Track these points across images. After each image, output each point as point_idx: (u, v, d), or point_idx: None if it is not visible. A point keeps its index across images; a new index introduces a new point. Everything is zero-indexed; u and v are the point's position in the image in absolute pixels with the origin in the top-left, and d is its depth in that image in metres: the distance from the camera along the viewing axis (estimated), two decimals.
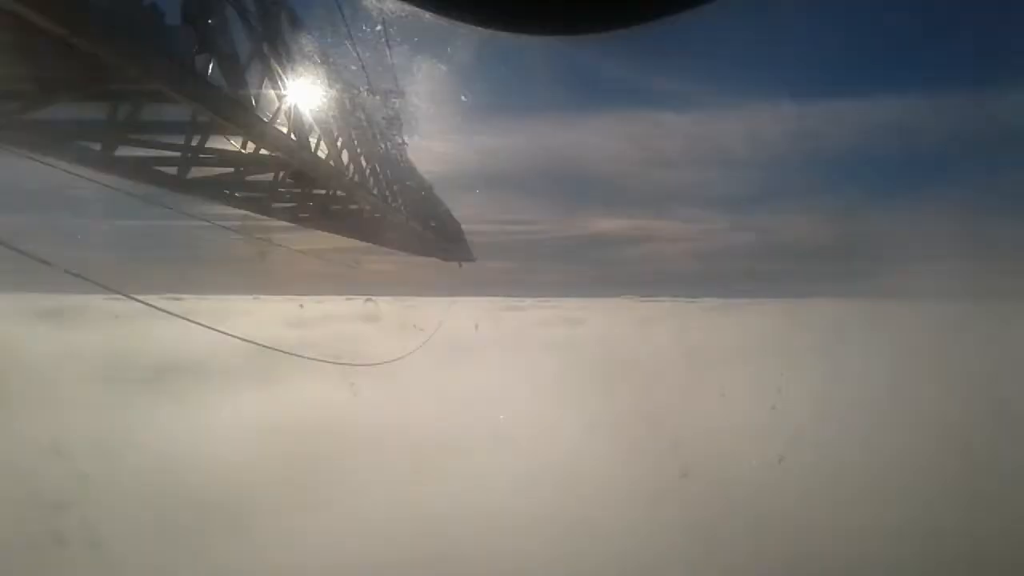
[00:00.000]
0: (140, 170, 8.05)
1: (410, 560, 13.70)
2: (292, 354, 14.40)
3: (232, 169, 9.21)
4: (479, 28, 1.71)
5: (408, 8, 1.78)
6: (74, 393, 23.67)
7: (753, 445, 18.72)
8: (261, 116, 7.48)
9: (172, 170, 8.17)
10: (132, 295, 9.13)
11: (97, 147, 7.27)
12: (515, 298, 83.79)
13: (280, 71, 7.72)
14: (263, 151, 8.59)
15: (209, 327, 10.73)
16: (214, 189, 9.27)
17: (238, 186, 9.77)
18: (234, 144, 8.56)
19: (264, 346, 12.32)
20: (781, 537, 14.13)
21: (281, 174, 9.76)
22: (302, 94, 8.18)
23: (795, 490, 16.36)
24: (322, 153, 9.44)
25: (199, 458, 18.22)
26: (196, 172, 8.52)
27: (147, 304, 9.37)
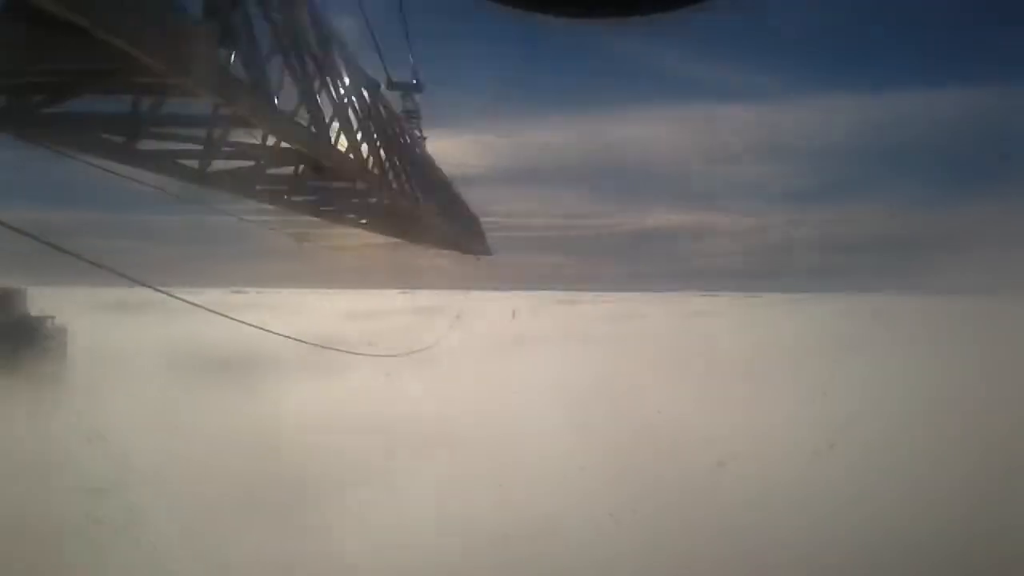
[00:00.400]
0: (162, 163, 8.09)
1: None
2: (330, 348, 14.72)
3: (253, 163, 9.24)
4: (523, 12, 1.63)
5: None
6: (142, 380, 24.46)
7: (810, 441, 18.52)
8: (281, 109, 7.47)
9: (193, 163, 8.20)
10: (162, 288, 9.19)
11: (119, 140, 7.31)
12: (571, 292, 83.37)
13: (301, 64, 7.71)
14: (284, 144, 8.60)
15: (243, 321, 10.83)
16: (235, 183, 9.30)
17: (259, 180, 9.79)
18: (255, 138, 8.58)
19: (300, 340, 12.52)
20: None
21: (301, 168, 9.77)
22: (322, 87, 8.16)
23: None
24: (342, 146, 9.43)
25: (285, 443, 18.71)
26: (217, 166, 8.55)
27: (181, 299, 9.48)
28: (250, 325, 9.99)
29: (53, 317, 27.92)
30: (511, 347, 39.68)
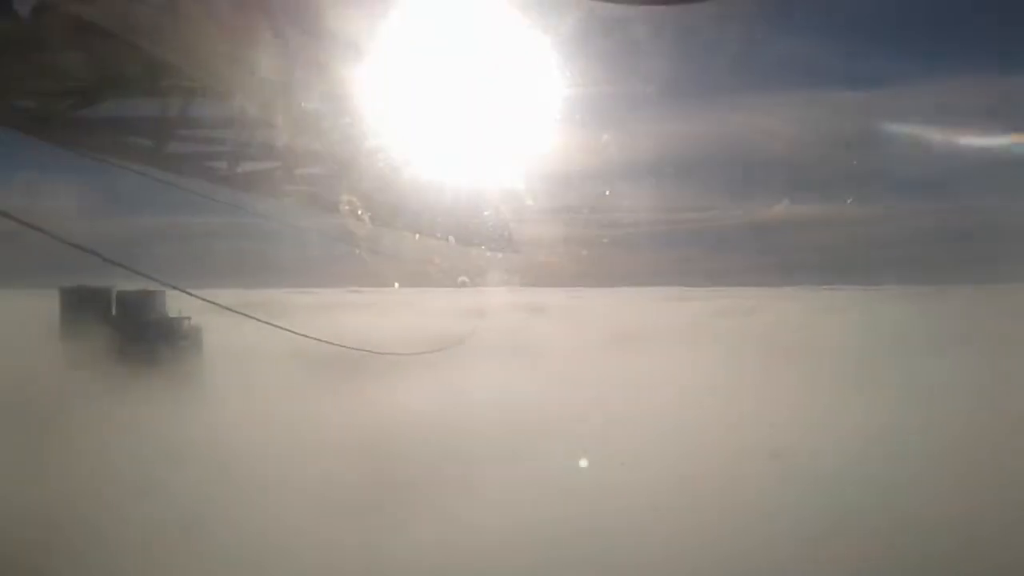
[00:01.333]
0: (190, 166, 8.05)
1: None
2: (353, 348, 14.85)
3: (280, 163, 9.16)
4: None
5: None
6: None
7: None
8: (309, 108, 7.39)
9: (222, 165, 8.16)
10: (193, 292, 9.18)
11: (148, 144, 7.28)
12: (688, 287, 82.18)
13: (329, 62, 7.60)
14: (312, 145, 8.52)
15: (280, 326, 10.85)
16: (263, 184, 9.24)
17: (287, 180, 9.72)
18: (282, 138, 8.51)
19: (323, 340, 12.52)
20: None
21: (328, 167, 9.68)
22: (351, 85, 8.04)
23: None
24: (368, 145, 9.32)
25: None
26: (245, 167, 8.49)
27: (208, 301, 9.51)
28: (285, 329, 10.10)
29: (189, 317, 29.05)
30: (619, 344, 39.38)
